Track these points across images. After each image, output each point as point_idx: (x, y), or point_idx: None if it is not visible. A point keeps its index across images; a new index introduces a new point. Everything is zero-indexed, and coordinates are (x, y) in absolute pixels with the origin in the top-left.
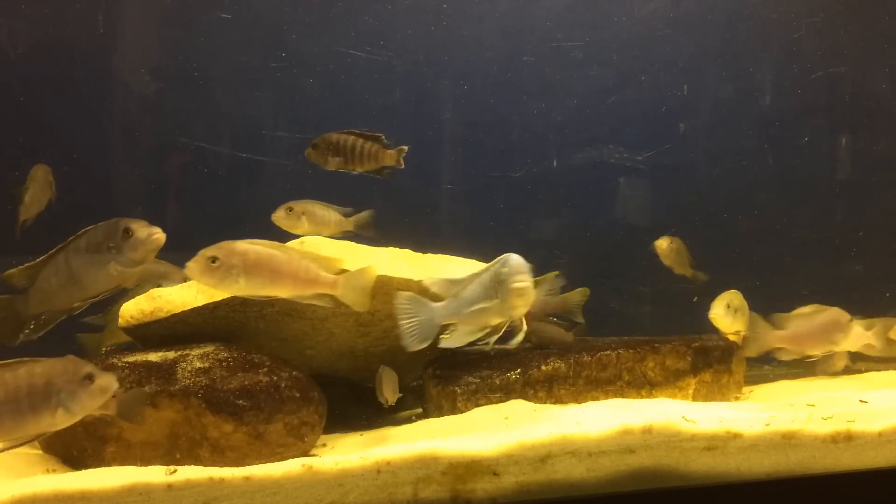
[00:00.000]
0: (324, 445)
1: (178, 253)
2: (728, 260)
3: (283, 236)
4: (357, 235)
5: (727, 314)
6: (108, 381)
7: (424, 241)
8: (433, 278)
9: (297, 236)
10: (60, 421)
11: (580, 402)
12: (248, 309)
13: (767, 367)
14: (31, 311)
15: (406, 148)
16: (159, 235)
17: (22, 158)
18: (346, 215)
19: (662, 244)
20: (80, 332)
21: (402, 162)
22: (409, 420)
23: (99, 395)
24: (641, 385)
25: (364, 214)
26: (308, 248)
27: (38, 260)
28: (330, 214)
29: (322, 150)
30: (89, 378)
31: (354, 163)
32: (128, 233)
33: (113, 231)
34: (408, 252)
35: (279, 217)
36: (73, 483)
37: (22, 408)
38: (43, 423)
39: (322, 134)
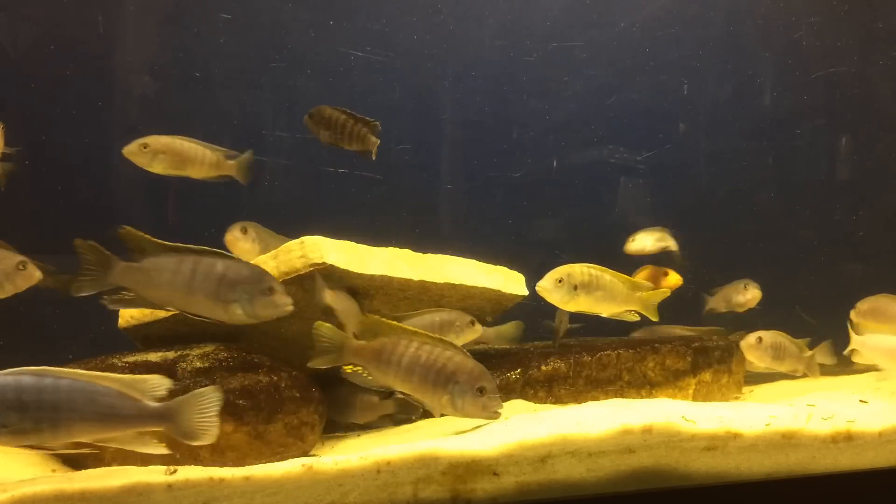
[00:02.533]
0: (324, 445)
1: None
2: (728, 260)
3: (286, 231)
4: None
5: (557, 289)
6: (492, 404)
7: (424, 241)
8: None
9: None
10: (444, 407)
11: (580, 402)
12: None
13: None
14: (116, 281)
15: (378, 141)
16: (290, 308)
17: (23, 159)
18: (229, 158)
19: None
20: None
21: (375, 154)
22: (409, 420)
23: (479, 409)
24: (641, 385)
25: (245, 157)
26: (308, 248)
27: (165, 243)
28: (203, 153)
29: (316, 121)
30: (482, 390)
31: (343, 140)
32: (270, 291)
33: (257, 279)
34: (408, 252)
35: (131, 152)
36: (73, 483)
37: (425, 377)
38: (431, 400)
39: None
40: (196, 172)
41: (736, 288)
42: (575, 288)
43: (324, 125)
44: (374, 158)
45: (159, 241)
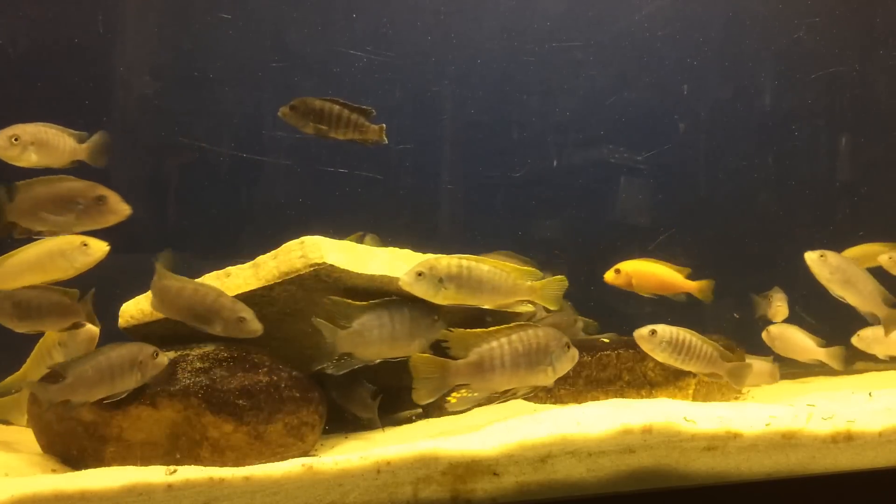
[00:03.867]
0: (324, 445)
1: (177, 254)
2: (728, 260)
3: (288, 233)
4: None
5: (419, 283)
6: (576, 352)
7: (424, 241)
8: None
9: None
10: (549, 378)
11: (580, 402)
12: None
13: None
14: (343, 348)
15: (384, 126)
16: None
17: None
18: (80, 140)
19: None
20: None
21: (386, 137)
22: (409, 420)
23: (570, 361)
24: (641, 385)
25: (97, 138)
26: (308, 248)
27: (360, 304)
28: (64, 141)
29: (301, 113)
30: (567, 345)
31: (337, 131)
32: (438, 317)
33: (430, 310)
34: (408, 252)
35: None
36: (73, 483)
37: (530, 362)
38: (538, 378)
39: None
40: (55, 161)
41: (766, 300)
42: (440, 280)
43: (313, 117)
44: (386, 142)
45: (355, 302)
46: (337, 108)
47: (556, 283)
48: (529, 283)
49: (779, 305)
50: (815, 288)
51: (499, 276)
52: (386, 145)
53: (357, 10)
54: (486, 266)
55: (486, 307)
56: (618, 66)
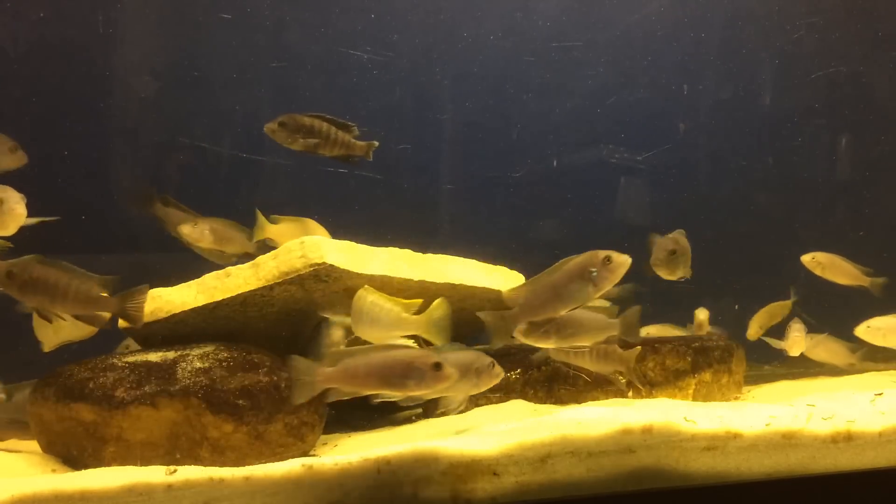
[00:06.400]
0: (324, 445)
1: (178, 253)
2: (728, 260)
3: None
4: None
5: None
6: None
7: (424, 241)
8: None
9: None
10: None
11: (580, 402)
12: (248, 309)
13: (767, 366)
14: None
15: (377, 143)
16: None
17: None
18: None
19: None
20: None
21: (371, 155)
22: (409, 420)
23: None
24: (641, 385)
25: None
26: (308, 248)
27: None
28: None
29: (290, 130)
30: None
31: (325, 148)
32: (608, 260)
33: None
34: (408, 252)
35: None
36: (73, 483)
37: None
38: None
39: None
40: None
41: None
42: None
43: (303, 133)
44: (371, 159)
45: None
46: (325, 124)
47: (441, 314)
48: (416, 316)
49: (796, 336)
50: (816, 288)
51: (380, 309)
52: (385, 146)
53: (357, 9)
54: (370, 297)
55: (367, 340)
56: (618, 66)
